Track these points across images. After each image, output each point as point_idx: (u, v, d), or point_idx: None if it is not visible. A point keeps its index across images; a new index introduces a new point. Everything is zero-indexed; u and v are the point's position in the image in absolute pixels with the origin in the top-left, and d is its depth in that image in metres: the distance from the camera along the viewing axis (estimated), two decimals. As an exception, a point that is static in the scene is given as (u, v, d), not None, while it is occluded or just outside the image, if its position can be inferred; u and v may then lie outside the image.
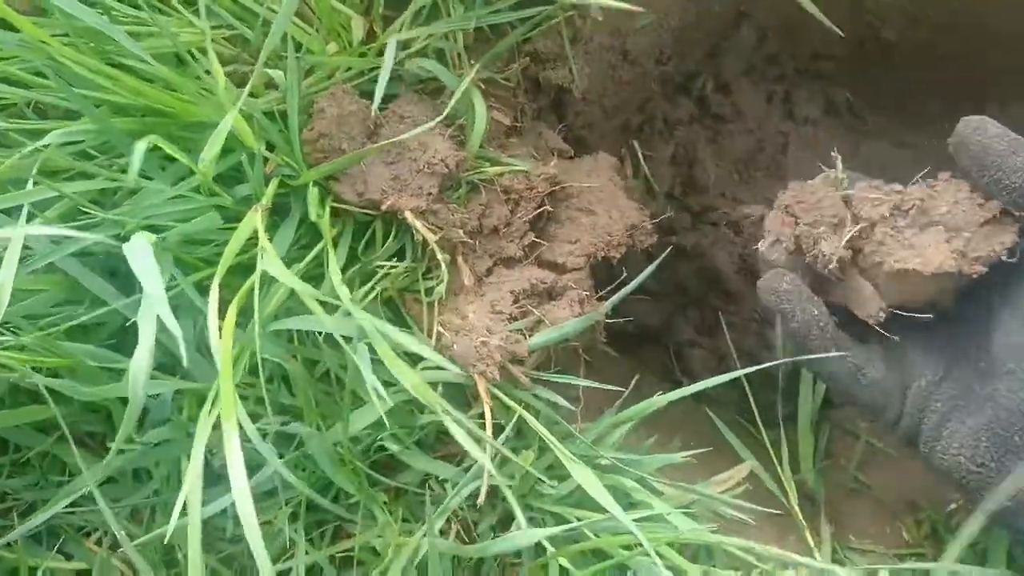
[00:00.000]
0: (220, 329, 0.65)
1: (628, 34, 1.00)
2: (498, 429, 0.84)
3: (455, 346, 0.80)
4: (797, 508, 0.97)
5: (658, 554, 0.76)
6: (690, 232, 1.22)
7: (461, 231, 0.81)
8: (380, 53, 0.86)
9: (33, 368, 0.73)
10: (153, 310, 0.66)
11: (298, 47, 0.85)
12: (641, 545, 0.75)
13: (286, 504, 0.85)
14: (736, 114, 1.23)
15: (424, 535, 0.77)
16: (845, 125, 1.28)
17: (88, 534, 0.90)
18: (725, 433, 1.03)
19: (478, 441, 0.74)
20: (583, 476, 0.75)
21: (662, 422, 1.12)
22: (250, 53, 0.85)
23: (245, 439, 0.74)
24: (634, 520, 0.70)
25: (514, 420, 0.79)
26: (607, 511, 0.73)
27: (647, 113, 1.19)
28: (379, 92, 0.81)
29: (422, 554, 0.75)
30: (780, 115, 1.26)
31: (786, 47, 1.21)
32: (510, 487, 0.81)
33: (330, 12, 0.83)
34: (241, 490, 0.56)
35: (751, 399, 1.06)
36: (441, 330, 0.81)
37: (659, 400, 0.79)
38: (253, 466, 0.80)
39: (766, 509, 0.84)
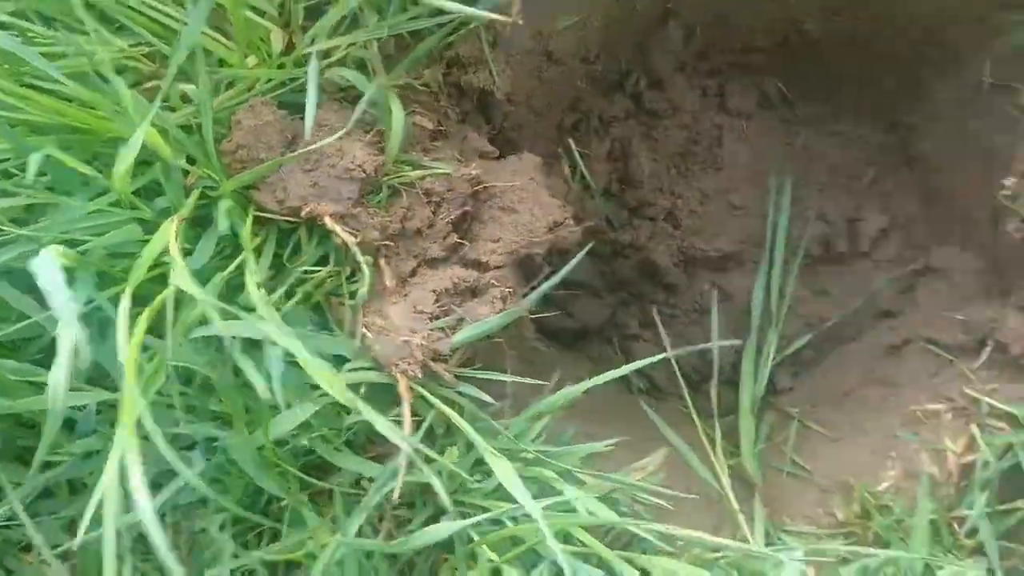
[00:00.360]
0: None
1: (551, 36, 1.02)
2: (426, 428, 0.87)
3: (377, 346, 0.82)
4: (731, 493, 0.99)
5: (572, 539, 0.79)
6: (628, 228, 1.24)
7: (377, 233, 0.83)
8: (299, 64, 0.88)
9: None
10: (69, 323, 0.68)
11: (218, 61, 0.87)
12: (563, 531, 0.78)
13: (219, 511, 0.87)
14: (671, 109, 1.25)
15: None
16: (779, 117, 1.30)
17: (28, 548, 0.92)
18: (659, 424, 1.05)
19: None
20: (501, 469, 0.77)
21: (607, 418, 1.14)
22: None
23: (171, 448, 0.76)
24: (546, 507, 0.72)
25: (430, 417, 0.80)
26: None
27: (581, 111, 1.21)
28: (310, 108, 0.83)
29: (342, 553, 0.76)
30: (714, 109, 1.28)
31: (714, 42, 1.23)
32: (439, 480, 0.84)
33: (247, 25, 0.85)
34: (143, 503, 0.57)
35: (684, 387, 1.08)
36: (365, 331, 0.83)
37: (576, 389, 0.81)
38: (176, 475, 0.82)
39: (686, 495, 0.85)
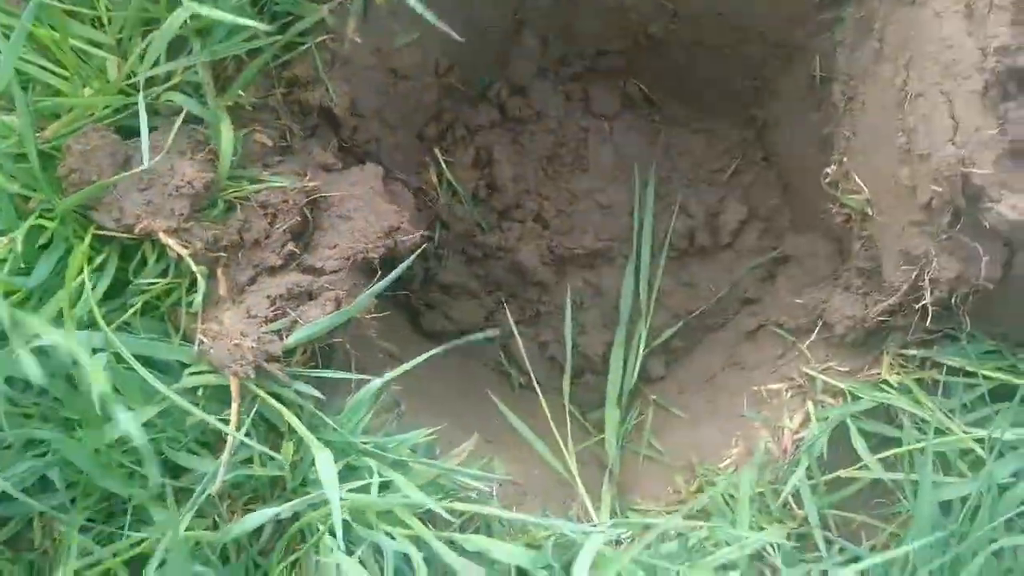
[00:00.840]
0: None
1: (391, 53, 1.08)
2: (268, 424, 0.93)
3: (211, 350, 0.87)
4: (577, 476, 1.05)
5: (402, 523, 0.84)
6: (497, 230, 1.30)
7: (201, 244, 0.89)
8: (136, 90, 0.94)
9: None
10: None
11: (56, 92, 0.92)
12: (389, 512, 0.83)
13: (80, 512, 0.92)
14: (535, 115, 1.31)
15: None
16: (643, 116, 1.36)
17: None
18: (507, 414, 1.10)
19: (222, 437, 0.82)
20: (320, 457, 0.82)
21: (480, 413, 1.20)
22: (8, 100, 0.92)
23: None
24: (355, 490, 0.78)
25: (253, 413, 0.86)
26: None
27: (446, 122, 1.27)
28: (144, 138, 0.88)
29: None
30: (579, 112, 1.34)
31: (570, 48, 1.29)
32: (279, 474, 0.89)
33: (79, 58, 0.91)
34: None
35: (535, 381, 1.13)
36: (202, 337, 0.89)
37: (377, 382, 0.86)
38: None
39: (503, 477, 0.91)
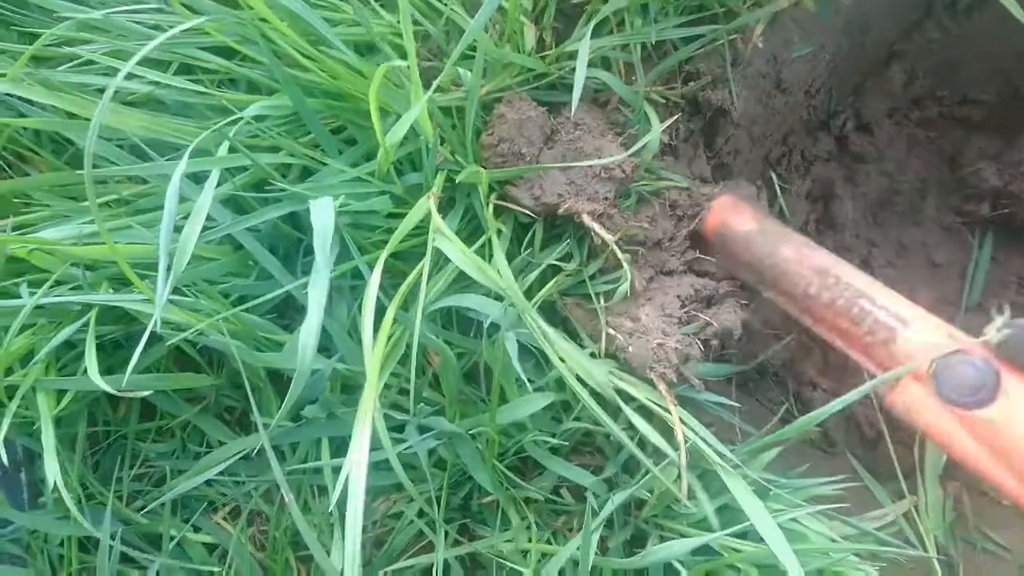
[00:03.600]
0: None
1: (784, 63, 1.00)
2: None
3: (630, 348, 0.79)
4: (936, 564, 0.93)
5: None
6: (821, 270, 1.19)
7: (638, 232, 0.81)
8: (554, 61, 0.87)
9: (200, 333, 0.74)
10: (325, 277, 0.67)
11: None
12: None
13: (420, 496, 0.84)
14: (875, 154, 1.21)
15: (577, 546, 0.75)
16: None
17: (216, 509, 0.91)
18: (869, 482, 0.99)
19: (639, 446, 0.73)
20: (740, 491, 0.72)
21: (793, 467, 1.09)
22: (429, 48, 0.86)
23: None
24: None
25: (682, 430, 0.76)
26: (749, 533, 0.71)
27: (787, 146, 1.18)
28: (576, 96, 0.80)
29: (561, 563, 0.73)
30: (921, 158, 1.23)
31: (935, 89, 1.18)
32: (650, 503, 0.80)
33: (515, 18, 0.84)
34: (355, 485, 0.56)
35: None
36: (612, 332, 0.80)
37: (810, 419, 0.76)
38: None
39: (915, 552, 0.80)
